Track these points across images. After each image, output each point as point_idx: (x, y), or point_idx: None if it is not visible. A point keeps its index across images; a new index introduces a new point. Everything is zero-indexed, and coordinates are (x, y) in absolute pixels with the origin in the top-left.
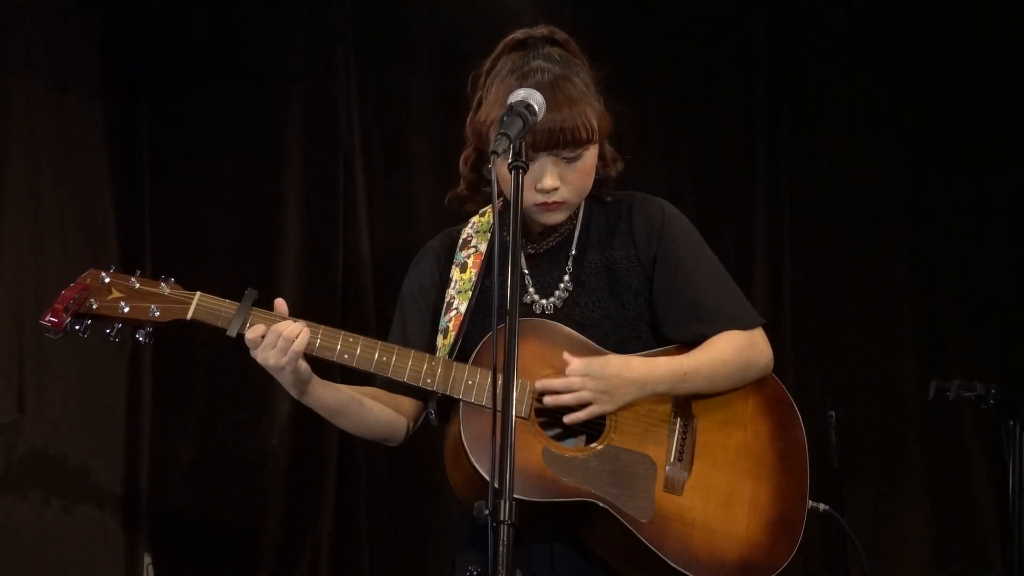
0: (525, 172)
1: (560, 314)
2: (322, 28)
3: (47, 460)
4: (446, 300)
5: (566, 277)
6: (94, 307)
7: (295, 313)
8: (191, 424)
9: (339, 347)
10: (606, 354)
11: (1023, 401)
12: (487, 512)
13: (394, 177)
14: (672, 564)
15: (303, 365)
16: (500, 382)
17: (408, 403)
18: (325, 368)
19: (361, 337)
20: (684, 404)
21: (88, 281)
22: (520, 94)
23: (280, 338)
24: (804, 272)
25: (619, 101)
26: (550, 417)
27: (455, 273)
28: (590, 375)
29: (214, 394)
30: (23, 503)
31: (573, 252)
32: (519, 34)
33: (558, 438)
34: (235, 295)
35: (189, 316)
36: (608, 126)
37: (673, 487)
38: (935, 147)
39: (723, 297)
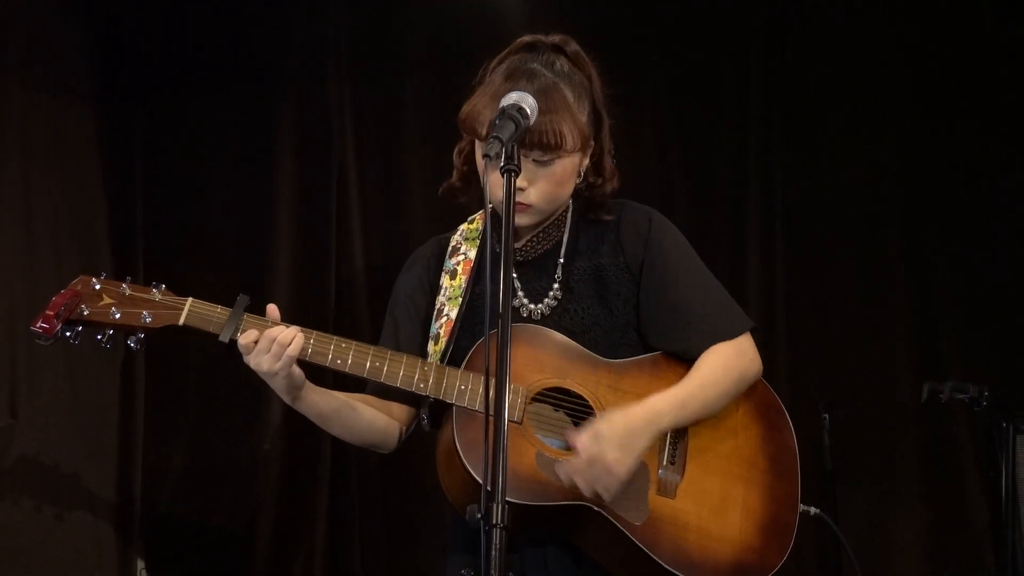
0: (517, 175)
1: (549, 321)
2: (316, 33)
3: (39, 466)
4: (436, 307)
5: (555, 284)
6: (85, 313)
7: (288, 318)
8: (184, 430)
9: (331, 353)
10: (598, 361)
11: (1016, 403)
12: (479, 516)
13: (387, 181)
14: (666, 567)
15: (296, 370)
16: (492, 386)
17: (400, 409)
18: (318, 375)
19: (354, 342)
20: None
21: (79, 288)
22: (512, 97)
23: (274, 343)
24: (798, 273)
25: (614, 102)
26: (543, 422)
27: (445, 280)
28: (599, 438)
29: (207, 400)
30: (15, 509)
31: (562, 260)
32: (529, 38)
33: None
34: (228, 300)
35: (181, 322)
36: (588, 139)
37: (666, 490)
38: (933, 149)
39: (709, 305)
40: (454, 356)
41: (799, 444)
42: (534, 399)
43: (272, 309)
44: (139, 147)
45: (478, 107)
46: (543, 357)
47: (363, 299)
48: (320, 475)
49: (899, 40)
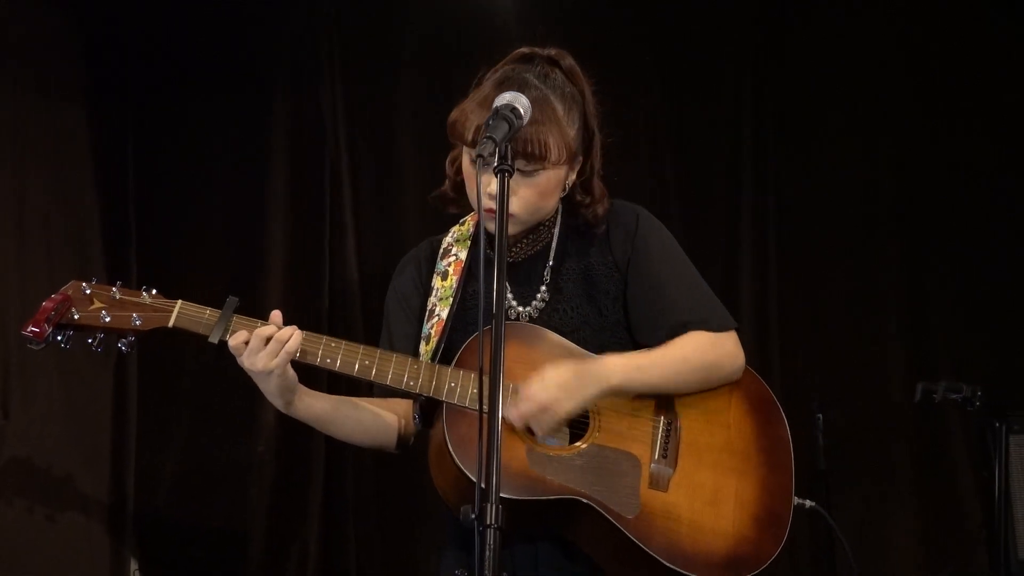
0: (511, 176)
1: (539, 321)
2: (309, 35)
3: (32, 468)
4: (428, 308)
5: (543, 287)
6: (76, 317)
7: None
8: (177, 433)
9: (321, 352)
10: (588, 357)
11: (1009, 403)
12: (473, 516)
13: (381, 182)
14: (660, 559)
15: (290, 371)
16: (485, 382)
17: (406, 406)
18: (312, 381)
19: (343, 341)
20: (668, 403)
21: (69, 292)
22: (506, 97)
23: (272, 340)
24: (793, 273)
25: (611, 101)
26: None
27: (436, 281)
28: (543, 379)
29: (200, 403)
30: (8, 510)
31: (551, 262)
32: (525, 49)
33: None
34: (222, 301)
35: (171, 324)
36: (575, 153)
37: (658, 484)
38: (932, 149)
39: (693, 301)
40: (445, 356)
41: (793, 444)
42: None
43: (276, 315)
44: (132, 148)
45: (466, 112)
46: (535, 355)
47: (357, 299)
48: (314, 475)
49: (899, 40)
